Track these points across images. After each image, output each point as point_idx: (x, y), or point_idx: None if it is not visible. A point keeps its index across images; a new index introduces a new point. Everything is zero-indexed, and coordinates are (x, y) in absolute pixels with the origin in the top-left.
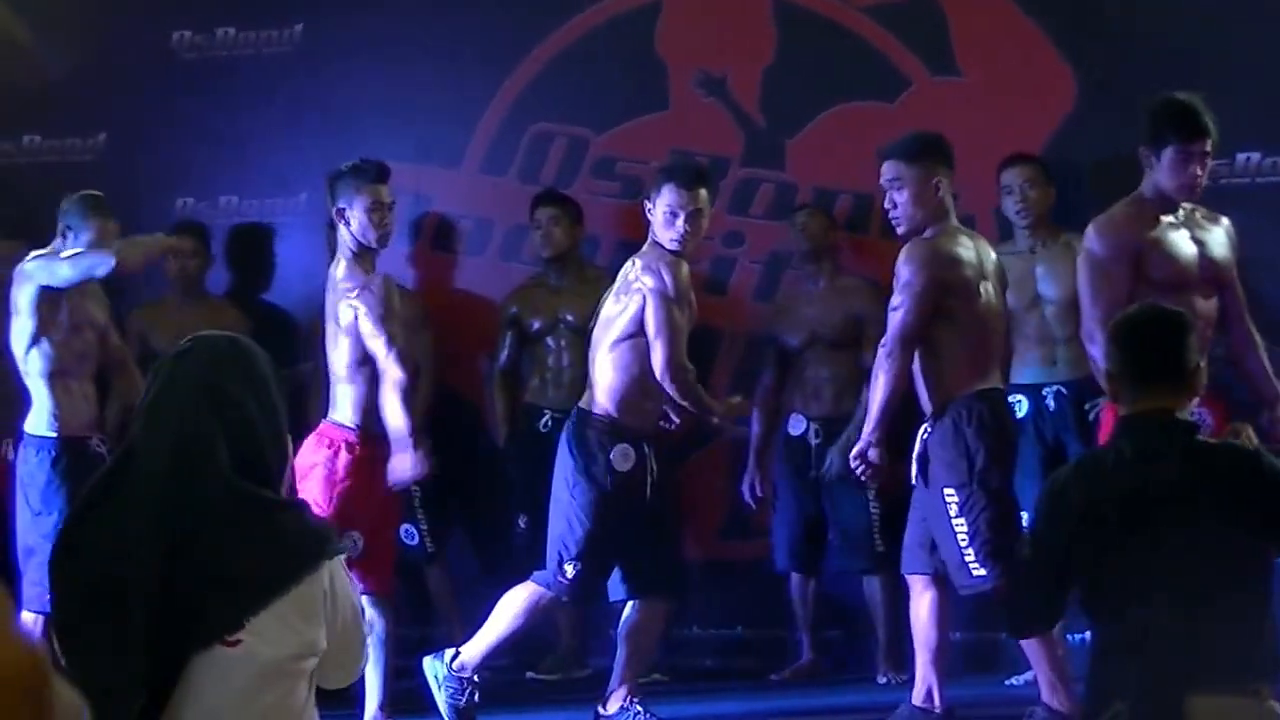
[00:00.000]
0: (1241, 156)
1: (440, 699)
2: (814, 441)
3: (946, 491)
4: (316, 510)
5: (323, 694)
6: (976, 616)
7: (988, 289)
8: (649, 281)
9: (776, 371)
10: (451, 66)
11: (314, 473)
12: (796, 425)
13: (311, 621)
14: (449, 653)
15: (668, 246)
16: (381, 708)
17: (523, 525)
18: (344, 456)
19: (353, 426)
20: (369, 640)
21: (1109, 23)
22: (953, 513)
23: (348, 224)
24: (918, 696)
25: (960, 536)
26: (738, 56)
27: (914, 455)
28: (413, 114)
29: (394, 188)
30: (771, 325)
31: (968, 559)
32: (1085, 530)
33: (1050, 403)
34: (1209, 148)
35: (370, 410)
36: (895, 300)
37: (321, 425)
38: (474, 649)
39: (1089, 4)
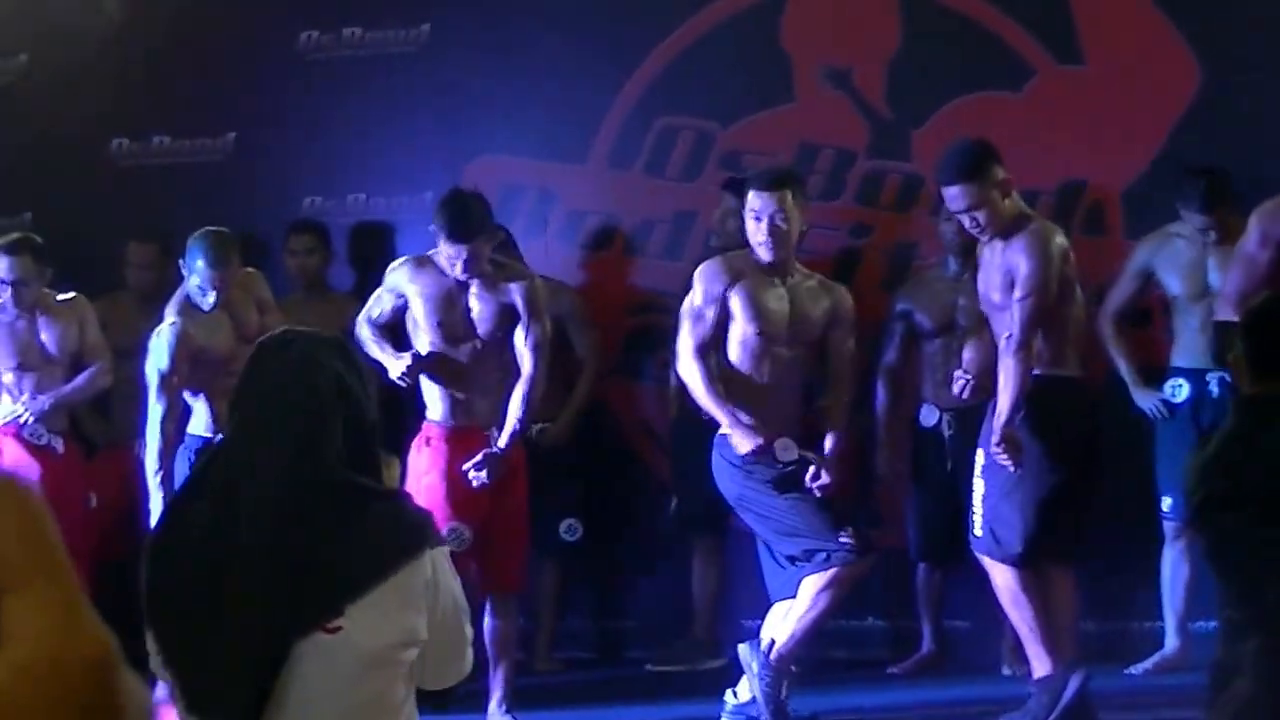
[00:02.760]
0: None
1: (755, 687)
2: (947, 432)
3: (980, 452)
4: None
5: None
6: (1095, 606)
7: (1077, 283)
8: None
9: (903, 348)
10: (577, 62)
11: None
12: (929, 416)
13: (411, 610)
14: (764, 641)
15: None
16: (502, 704)
17: (674, 507)
18: (424, 449)
19: (435, 420)
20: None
21: (1233, 8)
22: (977, 470)
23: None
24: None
25: (975, 495)
26: (863, 48)
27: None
28: (538, 110)
29: (515, 184)
30: (904, 299)
31: (974, 515)
32: (1204, 513)
33: (1214, 389)
34: None
35: (457, 403)
36: (1019, 292)
37: None
38: (784, 638)
39: None
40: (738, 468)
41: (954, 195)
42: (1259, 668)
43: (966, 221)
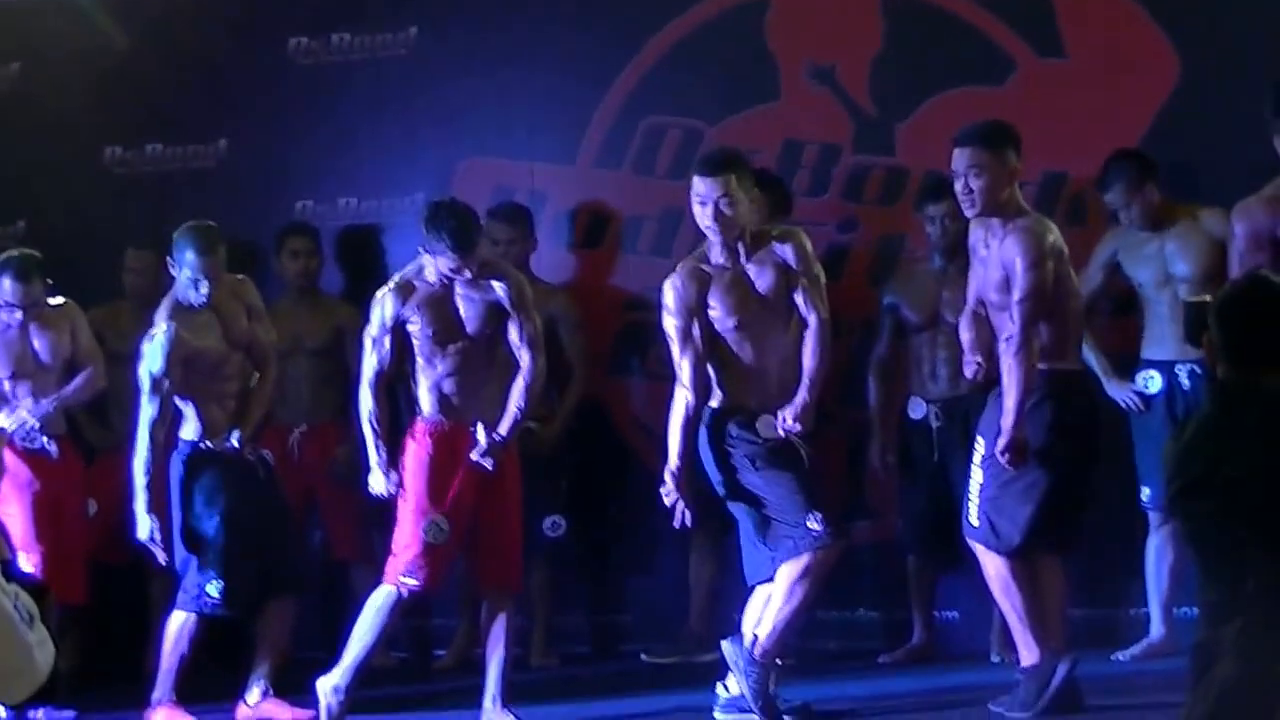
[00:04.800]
0: None
1: (742, 684)
2: (935, 424)
3: (979, 440)
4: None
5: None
6: (1082, 593)
7: (1073, 275)
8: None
9: (892, 341)
10: (564, 64)
11: None
12: (916, 409)
13: None
14: (748, 638)
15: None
16: (496, 698)
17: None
18: (410, 442)
19: (424, 415)
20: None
21: (1211, 1)
22: (975, 460)
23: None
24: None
25: (973, 484)
26: (846, 45)
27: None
28: (526, 111)
29: (504, 185)
30: (891, 294)
31: (970, 505)
32: (1182, 500)
33: (1185, 380)
34: None
35: (445, 400)
36: (1017, 293)
37: None
38: (766, 631)
39: None
40: (718, 444)
41: (961, 154)
42: (1240, 650)
43: (959, 186)
